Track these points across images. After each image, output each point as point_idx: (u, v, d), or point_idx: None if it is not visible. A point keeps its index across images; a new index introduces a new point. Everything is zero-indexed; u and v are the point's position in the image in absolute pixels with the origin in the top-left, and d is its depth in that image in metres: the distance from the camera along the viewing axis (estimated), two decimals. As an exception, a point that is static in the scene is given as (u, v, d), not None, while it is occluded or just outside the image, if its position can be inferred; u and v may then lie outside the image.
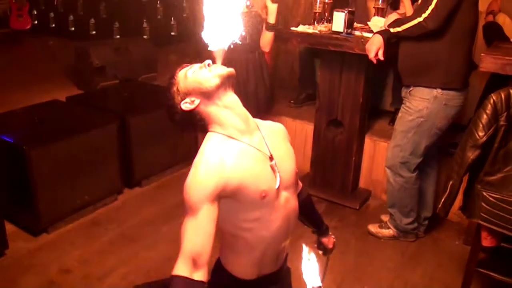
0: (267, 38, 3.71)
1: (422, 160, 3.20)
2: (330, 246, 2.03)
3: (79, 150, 3.58)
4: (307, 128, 4.32)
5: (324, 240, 2.02)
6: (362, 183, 4.19)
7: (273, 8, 3.61)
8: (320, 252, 2.04)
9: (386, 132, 4.07)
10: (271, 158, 1.53)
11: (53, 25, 7.90)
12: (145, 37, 6.38)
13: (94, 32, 7.05)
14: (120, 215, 3.78)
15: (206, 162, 1.41)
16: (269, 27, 3.66)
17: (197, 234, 1.38)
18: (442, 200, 2.68)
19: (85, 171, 3.65)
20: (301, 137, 4.37)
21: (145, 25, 6.50)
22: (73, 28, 7.49)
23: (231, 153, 1.46)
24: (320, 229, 2.00)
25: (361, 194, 4.11)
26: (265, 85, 3.80)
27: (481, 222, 2.52)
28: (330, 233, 2.03)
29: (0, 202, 3.24)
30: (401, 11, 3.82)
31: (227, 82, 1.50)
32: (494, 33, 3.59)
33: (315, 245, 2.04)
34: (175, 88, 1.53)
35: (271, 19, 3.64)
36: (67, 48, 6.04)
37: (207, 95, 1.49)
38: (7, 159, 3.42)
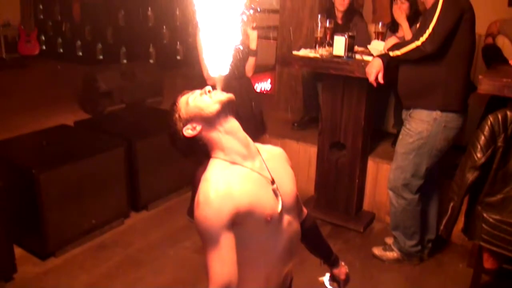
0: (250, 64, 3.80)
1: (423, 182, 3.23)
2: (342, 277, 1.95)
3: (86, 174, 3.63)
4: (311, 151, 4.35)
5: (336, 271, 1.94)
6: (366, 205, 4.20)
7: (254, 35, 3.72)
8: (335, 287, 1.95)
9: (388, 153, 4.09)
10: (272, 182, 1.55)
11: (61, 50, 8.04)
12: (151, 61, 6.48)
13: (101, 57, 7.17)
14: (127, 238, 3.81)
15: (216, 190, 1.41)
16: (251, 53, 3.75)
17: (224, 265, 1.38)
18: (444, 221, 2.70)
19: (92, 194, 3.69)
20: (304, 160, 4.40)
21: (151, 49, 6.62)
22: (80, 53, 7.62)
23: (237, 179, 1.47)
24: (329, 260, 1.92)
25: (365, 216, 4.12)
26: (257, 108, 3.87)
27: (482, 244, 2.55)
28: (342, 262, 1.95)
29: (8, 226, 3.28)
30: (399, 34, 3.91)
31: (227, 108, 1.53)
32: (493, 55, 3.64)
33: (326, 280, 1.95)
34: (177, 115, 1.56)
35: (253, 45, 3.74)
36: (75, 73, 6.15)
37: (209, 121, 1.52)
38: (16, 183, 3.47)
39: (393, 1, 4.08)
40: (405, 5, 3.99)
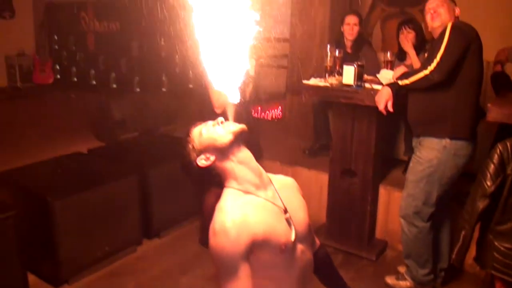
0: (249, 89, 3.86)
1: (435, 209, 3.24)
2: None
3: (100, 201, 3.67)
4: (322, 178, 4.36)
5: None
6: (378, 233, 4.19)
7: (253, 62, 3.78)
8: None
9: (400, 181, 4.08)
10: (285, 211, 1.58)
11: (75, 79, 8.16)
12: (164, 90, 6.56)
13: (114, 86, 7.28)
14: (139, 266, 3.83)
15: (233, 219, 1.43)
16: (250, 79, 3.82)
17: None
18: (456, 250, 2.70)
19: (105, 222, 3.72)
20: (316, 187, 4.42)
21: (163, 78, 6.71)
22: (94, 82, 7.74)
23: (251, 208, 1.49)
24: None
25: (378, 244, 4.10)
26: (254, 133, 3.93)
27: (494, 273, 2.54)
28: None
29: (23, 253, 3.31)
30: (407, 62, 3.96)
31: (240, 138, 1.58)
32: (502, 83, 3.67)
33: None
34: (190, 146, 1.60)
35: (251, 72, 3.80)
36: (89, 102, 6.23)
37: (222, 151, 1.56)
38: (30, 210, 3.51)
39: (399, 31, 4.16)
40: (411, 34, 4.07)
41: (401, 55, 4.19)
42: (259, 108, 6.33)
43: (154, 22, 5.51)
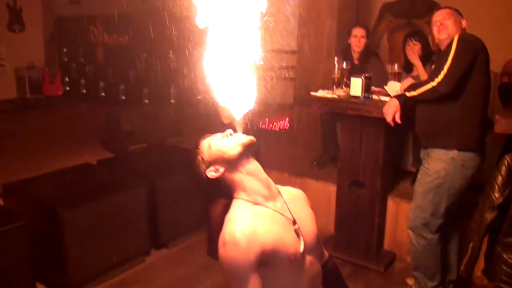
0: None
1: (443, 221, 3.23)
2: None
3: (109, 212, 3.69)
4: (330, 189, 4.36)
5: None
6: (386, 245, 4.18)
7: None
8: None
9: (408, 192, 4.07)
10: (294, 222, 1.59)
11: (84, 91, 8.23)
12: (172, 101, 6.60)
13: (123, 98, 7.33)
14: (147, 276, 3.83)
15: (242, 230, 1.45)
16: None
17: None
18: (464, 262, 2.70)
19: (114, 232, 3.74)
20: (324, 198, 4.42)
21: (172, 90, 6.76)
22: (103, 94, 7.80)
23: (261, 219, 1.51)
24: None
25: (386, 256, 4.09)
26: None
27: (502, 285, 2.53)
28: None
29: (31, 263, 3.33)
30: (414, 73, 3.98)
31: (249, 150, 1.60)
32: (509, 94, 3.67)
33: None
34: (200, 157, 1.62)
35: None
36: (98, 113, 6.28)
37: (231, 163, 1.58)
38: (39, 221, 3.54)
39: (405, 43, 4.19)
40: (417, 46, 4.11)
41: (407, 67, 4.21)
42: (267, 119, 6.36)
43: (162, 35, 5.55)
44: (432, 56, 4.14)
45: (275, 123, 6.56)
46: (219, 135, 1.65)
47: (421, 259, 3.34)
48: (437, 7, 5.10)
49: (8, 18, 7.76)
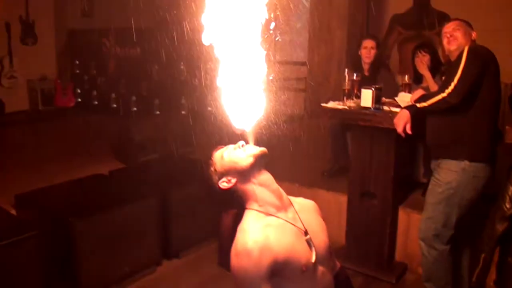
0: None
1: (454, 232, 3.22)
2: None
3: (120, 222, 3.72)
4: (341, 200, 4.35)
5: None
6: (398, 256, 4.16)
7: None
8: None
9: (419, 203, 4.05)
10: (305, 233, 1.60)
11: (96, 103, 8.29)
12: (183, 112, 6.64)
13: (135, 109, 7.38)
14: (158, 286, 3.85)
15: (255, 240, 1.47)
16: None
17: None
18: (476, 273, 2.69)
19: (125, 242, 3.76)
20: (335, 209, 4.41)
21: (183, 101, 6.79)
22: (115, 105, 7.85)
23: (273, 229, 1.52)
24: None
25: (397, 267, 4.07)
26: None
27: (514, 296, 2.52)
28: None
29: (43, 273, 3.35)
30: (423, 84, 4.00)
31: (260, 161, 1.62)
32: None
33: None
34: (212, 169, 1.65)
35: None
36: (109, 124, 6.32)
37: (243, 174, 1.60)
38: (51, 231, 3.57)
39: (414, 55, 4.23)
40: (426, 57, 4.16)
41: (416, 79, 4.23)
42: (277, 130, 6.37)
43: (174, 47, 5.60)
44: (440, 67, 4.16)
45: (285, 134, 6.57)
46: (231, 146, 1.67)
47: (433, 270, 3.33)
48: (447, 18, 5.12)
49: (21, 31, 7.84)
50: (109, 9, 7.92)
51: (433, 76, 4.05)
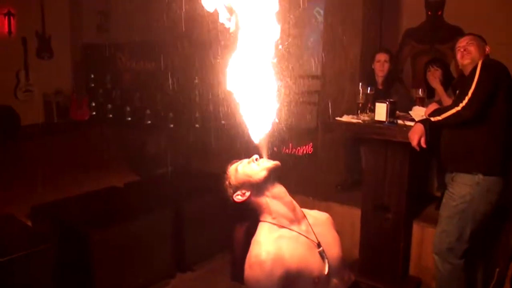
0: None
1: (469, 246, 3.21)
2: None
3: (135, 234, 3.74)
4: (355, 213, 4.33)
5: None
6: (412, 270, 4.13)
7: None
8: None
9: (433, 217, 4.03)
10: (318, 245, 1.62)
11: (111, 116, 8.37)
12: (197, 126, 6.68)
13: (149, 122, 7.44)
14: (172, 299, 3.86)
15: (268, 252, 1.49)
16: None
17: None
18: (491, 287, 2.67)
19: (140, 254, 3.78)
20: (348, 222, 4.40)
21: (197, 114, 6.84)
22: (129, 118, 7.92)
23: (286, 241, 1.55)
24: None
25: (411, 281, 4.04)
26: None
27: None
28: None
29: (60, 285, 3.37)
30: (435, 98, 4.02)
31: (274, 174, 1.65)
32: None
33: None
34: (227, 182, 1.68)
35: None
36: (124, 137, 6.38)
37: (257, 187, 1.63)
38: (67, 242, 3.60)
39: (426, 69, 4.27)
40: (438, 72, 4.21)
41: (429, 93, 4.24)
42: (290, 144, 6.39)
43: (188, 61, 5.67)
44: (452, 81, 4.20)
45: (298, 148, 6.58)
46: (245, 160, 1.70)
47: (447, 285, 3.31)
48: (459, 32, 5.15)
49: (37, 45, 7.98)
50: (124, 24, 8.03)
51: (445, 90, 4.07)
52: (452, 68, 5.03)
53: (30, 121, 7.79)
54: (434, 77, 4.19)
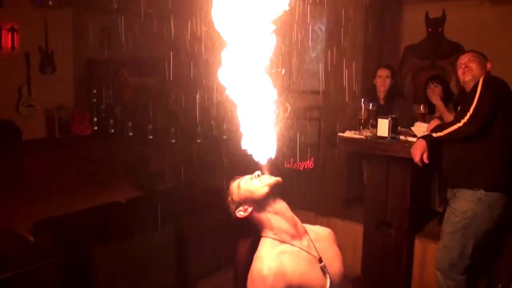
0: None
1: (471, 262, 3.20)
2: None
3: (138, 250, 3.72)
4: (357, 229, 4.33)
5: None
6: (414, 286, 4.10)
7: None
8: None
9: (435, 233, 4.04)
10: (320, 260, 1.64)
11: (112, 131, 8.38)
12: (198, 141, 6.69)
13: (151, 137, 7.45)
14: (173, 316, 3.84)
15: (269, 267, 1.51)
16: None
17: None
18: (494, 303, 2.66)
19: (142, 270, 3.75)
20: (351, 238, 4.39)
21: (198, 130, 6.86)
22: (131, 133, 7.94)
23: (287, 257, 1.57)
24: None
25: (414, 297, 4.04)
26: None
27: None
28: None
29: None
30: (436, 115, 4.05)
31: (275, 190, 1.66)
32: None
33: None
34: (230, 198, 1.70)
35: None
36: (126, 152, 6.39)
37: (259, 203, 1.65)
38: (69, 259, 3.58)
39: (426, 86, 4.31)
40: (438, 88, 4.26)
41: (429, 109, 4.27)
42: (291, 159, 6.39)
43: (190, 77, 5.70)
44: (452, 97, 4.24)
45: (299, 163, 6.59)
46: (247, 176, 1.72)
47: (450, 300, 3.29)
48: (460, 48, 5.19)
49: (40, 60, 8.02)
50: (127, 40, 8.09)
51: (445, 106, 4.11)
52: (453, 84, 5.06)
53: (32, 136, 7.80)
54: (434, 93, 4.24)
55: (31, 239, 3.94)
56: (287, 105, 1.71)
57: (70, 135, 8.31)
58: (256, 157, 1.70)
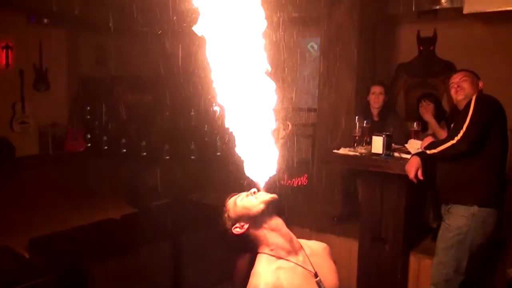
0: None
1: (465, 278, 3.21)
2: None
3: (133, 267, 3.72)
4: (352, 245, 4.34)
5: None
6: (409, 303, 4.13)
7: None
8: None
9: (430, 248, 4.05)
10: (315, 275, 1.66)
11: (106, 148, 8.38)
12: (192, 157, 6.70)
13: (144, 154, 7.46)
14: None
15: (266, 284, 1.53)
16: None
17: None
18: (488, 318, 2.68)
19: (137, 287, 3.76)
20: (345, 254, 4.39)
21: (192, 146, 6.88)
22: (125, 150, 7.93)
23: (284, 272, 1.59)
24: None
25: (409, 313, 4.04)
26: None
27: None
28: None
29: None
30: (429, 132, 4.11)
31: (271, 207, 1.69)
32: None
33: None
34: (226, 215, 1.72)
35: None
36: (120, 169, 6.39)
37: (255, 219, 1.67)
38: (64, 276, 3.56)
39: (419, 104, 4.38)
40: (431, 106, 4.35)
41: (422, 126, 4.32)
42: (286, 175, 6.40)
43: (183, 95, 5.74)
44: (444, 114, 4.30)
45: (293, 179, 6.60)
46: (243, 193, 1.74)
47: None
48: (451, 66, 5.27)
49: (34, 78, 8.04)
50: (121, 58, 8.12)
51: (438, 123, 4.20)
52: (444, 101, 5.13)
53: (25, 152, 7.79)
54: (427, 111, 4.34)
55: (26, 255, 3.92)
56: (288, 123, 1.74)
57: (64, 152, 8.31)
58: (252, 177, 1.73)
